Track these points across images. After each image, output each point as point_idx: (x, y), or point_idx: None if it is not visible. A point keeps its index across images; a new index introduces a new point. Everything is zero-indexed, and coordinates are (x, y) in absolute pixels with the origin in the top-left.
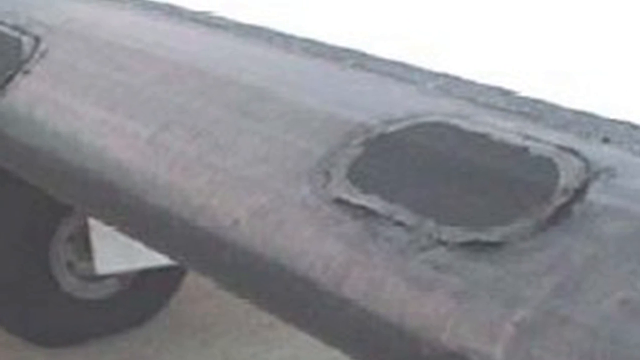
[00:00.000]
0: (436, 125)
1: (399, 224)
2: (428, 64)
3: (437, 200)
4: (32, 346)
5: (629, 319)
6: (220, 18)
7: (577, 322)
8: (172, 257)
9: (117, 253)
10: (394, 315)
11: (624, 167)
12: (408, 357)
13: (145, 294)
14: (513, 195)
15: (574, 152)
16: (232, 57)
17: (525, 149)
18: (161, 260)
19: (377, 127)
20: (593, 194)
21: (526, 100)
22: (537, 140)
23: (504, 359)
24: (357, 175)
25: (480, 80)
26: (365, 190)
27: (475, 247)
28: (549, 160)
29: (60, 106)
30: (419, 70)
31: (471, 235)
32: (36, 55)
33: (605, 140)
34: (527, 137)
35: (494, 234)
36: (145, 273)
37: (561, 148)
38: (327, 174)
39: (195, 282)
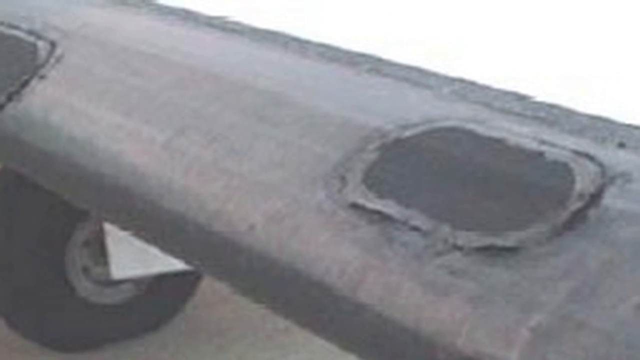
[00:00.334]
0: (452, 130)
1: (415, 228)
2: (444, 68)
3: (453, 205)
4: (48, 351)
5: None
6: (236, 23)
7: (593, 327)
8: (187, 262)
9: (132, 258)
10: (410, 320)
11: (639, 172)
12: None
13: (161, 299)
14: (529, 200)
15: (590, 157)
16: (248, 62)
17: (541, 154)
18: (177, 265)
19: (393, 132)
20: (609, 199)
21: (542, 105)
22: (553, 145)
23: None
24: (373, 180)
25: (496, 85)
26: (381, 195)
27: (491, 252)
28: (565, 165)
29: (76, 111)
30: (435, 75)
31: (487, 240)
32: (52, 60)
33: (621, 145)
34: (543, 142)
35: (509, 239)
36: (160, 278)
37: (577, 153)
38: (343, 179)
39: (210, 287)
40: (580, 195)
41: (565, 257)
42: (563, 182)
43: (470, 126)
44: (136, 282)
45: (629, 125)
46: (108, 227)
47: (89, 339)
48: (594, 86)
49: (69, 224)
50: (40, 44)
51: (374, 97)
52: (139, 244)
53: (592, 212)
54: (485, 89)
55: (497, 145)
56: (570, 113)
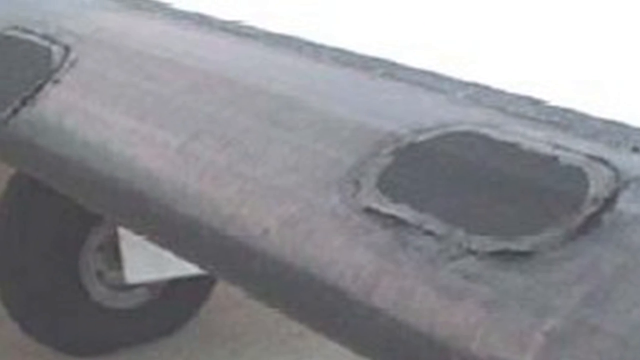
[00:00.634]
0: (466, 134)
1: (429, 233)
2: (458, 73)
3: (467, 209)
4: (62, 356)
5: None
6: (250, 27)
7: (607, 331)
8: (201, 266)
9: (146, 262)
10: (424, 324)
11: None
12: None
13: (175, 303)
14: (543, 204)
15: (604, 162)
16: (262, 66)
17: (555, 158)
18: (191, 269)
19: (406, 136)
20: (623, 203)
21: (556, 110)
22: (567, 149)
23: None
24: (387, 185)
25: (510, 89)
26: (395, 200)
27: (505, 256)
28: (579, 170)
29: (90, 115)
30: (449, 79)
31: (501, 245)
32: (66, 65)
33: (635, 149)
34: (557, 147)
35: (523, 244)
36: (175, 282)
37: (591, 157)
38: (357, 183)
39: (225, 292)
40: (595, 200)
41: (579, 262)
42: (577, 186)
43: (485, 130)
44: (150, 286)
45: None
46: (122, 231)
47: (103, 344)
48: (608, 90)
49: (83, 228)
50: (55, 48)
51: (388, 102)
52: (153, 248)
53: (606, 217)
54: (500, 93)
55: (511, 150)
56: (584, 117)
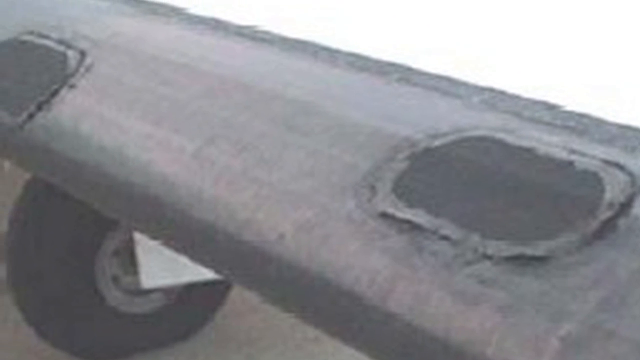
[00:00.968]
0: (481, 139)
1: (445, 238)
2: (473, 78)
3: (483, 214)
4: None
5: None
6: (266, 32)
7: (623, 336)
8: (217, 271)
9: (162, 267)
10: (440, 329)
11: None
12: None
13: (190, 308)
14: (558, 209)
15: (620, 166)
16: (278, 71)
17: (571, 163)
18: (206, 274)
19: (422, 141)
20: (638, 208)
21: (571, 115)
22: (583, 154)
23: None
24: (403, 190)
25: (526, 94)
26: (411, 205)
27: (520, 261)
28: (595, 175)
29: (105, 120)
30: (464, 84)
31: (516, 250)
32: (82, 70)
33: None
34: (573, 152)
35: (539, 248)
36: (190, 287)
37: (606, 162)
38: (373, 188)
39: (240, 296)
40: (610, 205)
41: (595, 267)
42: (593, 191)
43: (500, 135)
44: (166, 291)
45: None
46: (138, 236)
47: (119, 349)
48: (624, 95)
49: (98, 233)
50: (70, 53)
51: (403, 107)
52: (168, 253)
53: (621, 222)
54: (515, 98)
55: (527, 155)
56: (599, 122)
